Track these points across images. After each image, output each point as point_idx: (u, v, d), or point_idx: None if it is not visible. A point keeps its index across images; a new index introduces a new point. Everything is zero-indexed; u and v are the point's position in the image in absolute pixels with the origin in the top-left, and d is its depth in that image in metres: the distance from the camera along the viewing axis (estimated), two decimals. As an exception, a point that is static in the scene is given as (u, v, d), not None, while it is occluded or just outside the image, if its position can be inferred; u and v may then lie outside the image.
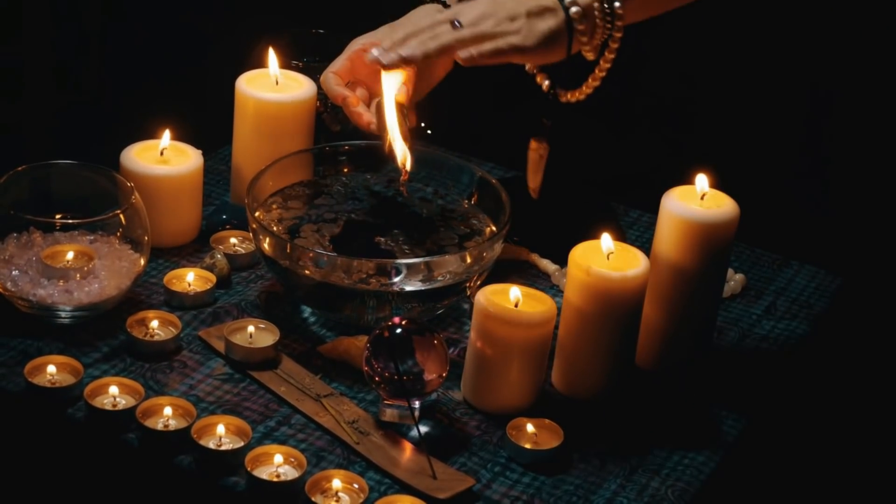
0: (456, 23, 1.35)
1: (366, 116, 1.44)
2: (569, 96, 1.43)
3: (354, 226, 1.44)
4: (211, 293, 1.42)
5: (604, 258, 1.31)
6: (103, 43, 2.68)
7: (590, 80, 1.41)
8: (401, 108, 1.41)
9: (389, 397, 1.26)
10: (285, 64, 1.56)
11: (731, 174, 1.40)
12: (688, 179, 1.36)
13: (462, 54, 1.34)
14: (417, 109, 1.49)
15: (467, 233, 1.45)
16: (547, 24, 1.35)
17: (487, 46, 1.34)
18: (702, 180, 1.35)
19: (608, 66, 1.39)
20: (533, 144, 1.45)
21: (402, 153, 1.41)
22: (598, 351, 1.31)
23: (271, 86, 1.53)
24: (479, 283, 1.38)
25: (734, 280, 1.52)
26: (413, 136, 1.43)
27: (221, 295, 1.44)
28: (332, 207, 1.47)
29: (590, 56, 1.39)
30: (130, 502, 1.27)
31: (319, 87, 1.56)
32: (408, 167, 1.42)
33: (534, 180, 1.47)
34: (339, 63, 1.46)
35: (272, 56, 1.54)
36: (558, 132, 1.51)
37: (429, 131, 1.47)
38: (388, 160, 1.53)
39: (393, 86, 1.40)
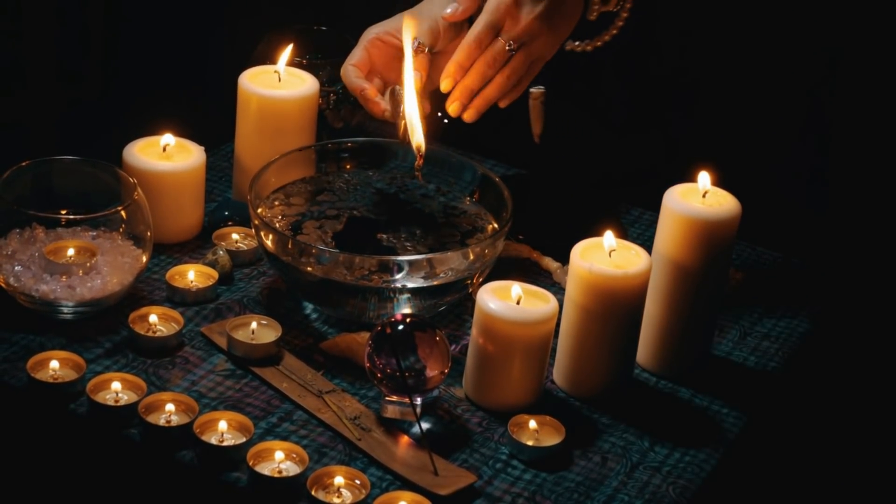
0: (509, 47, 1.41)
1: (381, 105, 1.45)
2: (576, 46, 1.48)
3: (357, 222, 1.44)
4: (213, 289, 1.42)
5: (606, 256, 1.31)
6: (106, 39, 2.68)
7: (604, 35, 1.46)
8: (416, 94, 1.42)
9: (391, 393, 1.26)
10: (288, 60, 1.56)
11: (733, 172, 1.40)
12: (690, 177, 1.36)
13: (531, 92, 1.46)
14: (433, 98, 1.50)
15: (469, 230, 1.45)
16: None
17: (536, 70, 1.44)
18: (704, 178, 1.35)
19: (622, 23, 1.45)
20: (533, 93, 1.49)
21: (417, 137, 1.42)
22: (600, 348, 1.31)
23: (274, 82, 1.53)
24: (480, 280, 1.38)
25: (735, 278, 1.52)
26: (427, 123, 1.44)
27: (223, 291, 1.44)
28: (335, 204, 1.47)
29: (592, 18, 1.45)
30: (133, 498, 1.27)
31: (322, 84, 1.56)
32: (423, 151, 1.42)
33: (537, 127, 1.51)
34: (357, 55, 1.47)
35: (287, 52, 1.54)
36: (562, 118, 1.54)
37: (445, 120, 1.47)
38: (390, 157, 1.53)
39: (409, 72, 1.41)
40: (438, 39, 1.48)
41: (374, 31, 1.48)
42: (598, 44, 1.48)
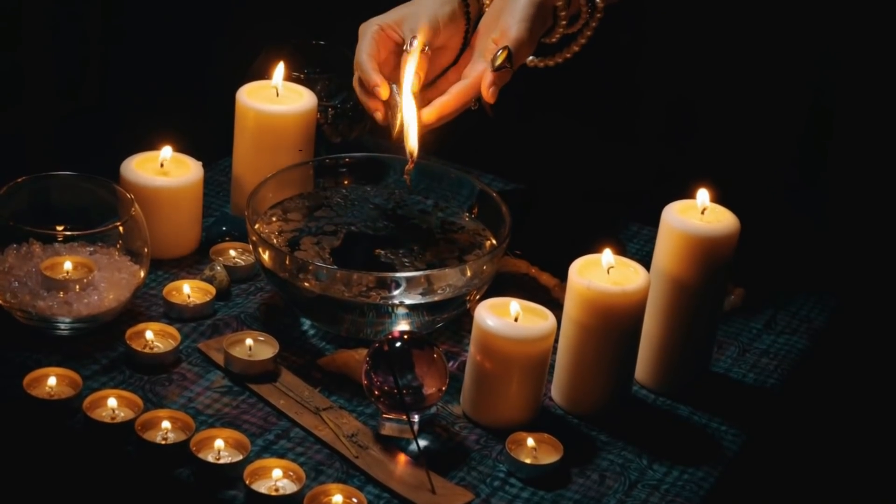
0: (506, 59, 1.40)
1: (380, 107, 1.44)
2: (536, 62, 1.47)
3: (354, 238, 1.44)
4: (210, 305, 1.42)
5: (604, 272, 1.30)
6: (104, 53, 2.68)
7: (564, 52, 1.46)
8: (414, 96, 1.41)
9: (388, 411, 1.26)
10: (286, 75, 1.56)
11: (732, 188, 1.40)
12: (688, 193, 1.36)
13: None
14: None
15: (467, 246, 1.45)
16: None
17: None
18: (703, 195, 1.35)
19: (583, 40, 1.44)
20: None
21: (411, 142, 1.40)
22: (599, 365, 1.30)
23: (272, 97, 1.53)
24: (478, 296, 1.38)
25: (734, 294, 1.51)
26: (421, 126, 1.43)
27: (221, 307, 1.44)
28: (332, 220, 1.47)
29: (553, 40, 1.44)
30: (129, 515, 1.27)
31: (320, 99, 1.56)
32: (415, 156, 1.41)
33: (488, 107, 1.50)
34: (370, 45, 1.43)
35: (280, 68, 1.53)
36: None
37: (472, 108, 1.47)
38: (388, 172, 1.53)
39: (410, 74, 1.40)
40: (438, 35, 1.45)
41: (375, 23, 1.45)
42: (559, 59, 1.47)
